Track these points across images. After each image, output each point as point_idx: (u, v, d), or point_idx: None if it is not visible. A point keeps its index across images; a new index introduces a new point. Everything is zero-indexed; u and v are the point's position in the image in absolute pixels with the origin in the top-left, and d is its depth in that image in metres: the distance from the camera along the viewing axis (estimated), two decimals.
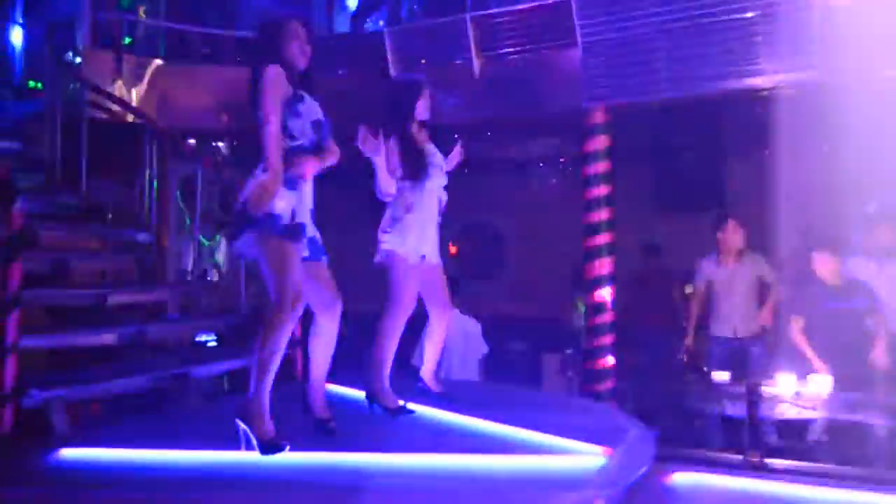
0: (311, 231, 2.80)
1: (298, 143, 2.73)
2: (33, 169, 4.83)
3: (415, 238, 3.28)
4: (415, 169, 3.26)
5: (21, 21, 6.48)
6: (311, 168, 2.73)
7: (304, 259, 2.74)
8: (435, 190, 3.38)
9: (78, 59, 5.86)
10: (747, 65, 4.90)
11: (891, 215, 4.49)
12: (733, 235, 4.98)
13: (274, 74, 2.64)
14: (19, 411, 2.82)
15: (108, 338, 3.74)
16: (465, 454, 2.62)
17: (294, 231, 2.67)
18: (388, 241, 3.28)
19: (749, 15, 4.94)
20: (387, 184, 3.22)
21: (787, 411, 4.00)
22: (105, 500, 2.35)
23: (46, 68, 5.14)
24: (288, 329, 2.63)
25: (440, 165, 3.40)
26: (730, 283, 5.01)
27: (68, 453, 2.69)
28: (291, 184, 2.68)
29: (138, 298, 4.57)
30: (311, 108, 2.79)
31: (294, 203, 2.68)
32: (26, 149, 5.01)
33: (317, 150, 2.77)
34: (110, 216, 5.06)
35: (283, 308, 2.60)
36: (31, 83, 6.72)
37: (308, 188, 2.77)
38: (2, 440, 2.75)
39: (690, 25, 5.02)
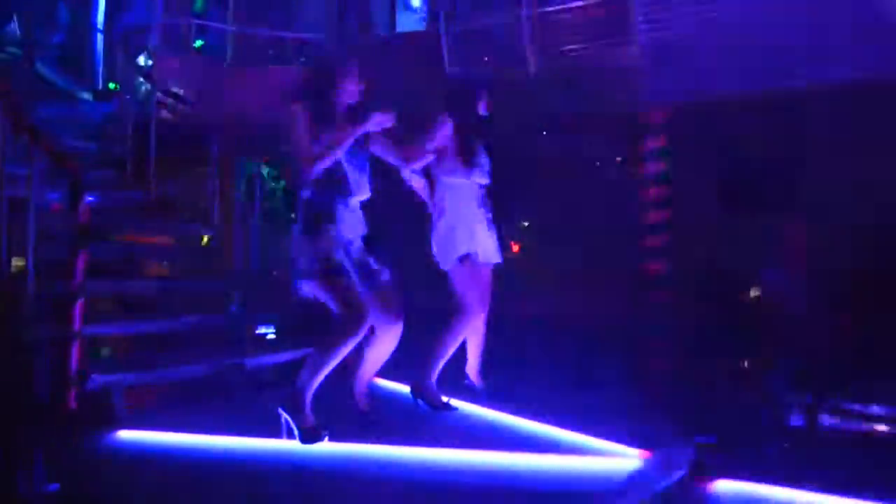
0: (363, 260, 2.85)
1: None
2: (107, 166, 5.11)
3: (455, 240, 3.32)
4: (463, 168, 3.30)
5: (101, 29, 6.85)
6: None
7: (363, 285, 2.81)
8: (478, 189, 3.41)
9: (150, 63, 6.15)
10: (816, 60, 4.69)
11: None
12: (802, 239, 4.77)
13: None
14: (83, 394, 3.00)
15: (170, 328, 3.94)
16: (501, 452, 2.63)
17: (331, 273, 2.72)
18: (437, 254, 3.35)
19: (818, 7, 4.73)
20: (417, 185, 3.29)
21: (855, 426, 3.83)
22: (153, 478, 2.48)
23: (121, 72, 5.42)
24: (350, 344, 2.73)
25: (483, 164, 3.43)
26: (797, 288, 4.81)
27: (125, 435, 2.86)
28: (312, 232, 2.75)
29: (202, 290, 4.77)
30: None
31: (322, 248, 2.73)
32: (102, 147, 5.30)
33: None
34: (177, 212, 5.29)
35: (347, 325, 2.69)
36: (111, 85, 7.10)
37: (350, 223, 2.83)
38: (66, 420, 2.94)
39: (752, 20, 4.85)
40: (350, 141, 2.77)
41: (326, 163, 2.75)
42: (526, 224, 8.05)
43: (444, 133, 3.27)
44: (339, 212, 2.79)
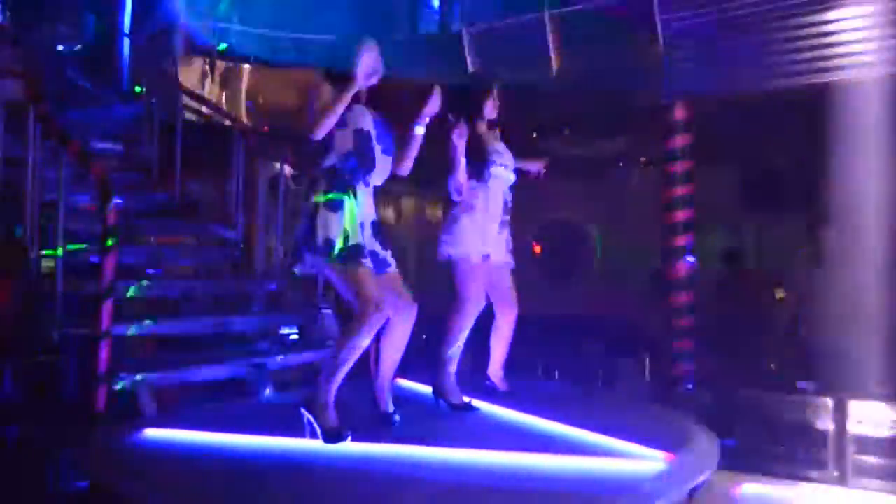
0: (372, 245, 2.85)
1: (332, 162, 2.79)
2: (133, 168, 5.19)
3: (474, 238, 3.31)
4: (478, 169, 3.30)
5: (128, 32, 6.95)
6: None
7: (375, 270, 2.81)
8: (500, 189, 3.40)
9: (175, 65, 6.23)
10: (840, 57, 4.62)
11: None
12: (832, 239, 4.70)
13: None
14: (111, 392, 3.05)
15: (195, 328, 3.99)
16: (523, 453, 2.63)
17: (353, 253, 2.73)
18: (446, 243, 3.34)
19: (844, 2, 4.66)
20: (462, 182, 3.26)
21: (879, 427, 3.76)
22: (180, 476, 2.51)
23: (147, 74, 5.50)
24: (368, 336, 2.73)
25: (507, 164, 3.42)
26: (826, 288, 4.73)
27: (153, 433, 2.90)
28: (334, 207, 2.75)
29: (226, 291, 4.82)
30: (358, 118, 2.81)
31: (343, 225, 2.73)
32: (128, 149, 5.37)
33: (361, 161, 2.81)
34: (202, 213, 5.35)
35: (364, 316, 2.69)
36: (137, 88, 7.20)
37: (365, 204, 2.83)
38: (95, 418, 2.99)
39: (777, 15, 4.78)
40: (345, 100, 2.72)
41: (327, 125, 2.70)
42: (549, 224, 8.04)
43: (461, 133, 3.24)
44: (359, 188, 2.79)
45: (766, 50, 4.88)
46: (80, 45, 6.57)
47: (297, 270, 2.87)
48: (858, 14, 4.57)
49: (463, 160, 3.21)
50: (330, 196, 2.77)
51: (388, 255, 2.91)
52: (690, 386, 5.25)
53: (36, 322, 3.42)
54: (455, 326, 3.33)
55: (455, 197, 3.33)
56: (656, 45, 5.34)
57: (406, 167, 2.98)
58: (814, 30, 4.72)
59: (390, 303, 2.82)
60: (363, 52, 2.73)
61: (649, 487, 2.30)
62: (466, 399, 3.33)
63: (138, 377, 3.15)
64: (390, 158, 2.90)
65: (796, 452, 4.04)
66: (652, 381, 5.90)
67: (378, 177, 2.88)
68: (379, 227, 2.92)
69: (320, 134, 2.73)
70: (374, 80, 2.80)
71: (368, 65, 2.74)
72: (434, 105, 2.91)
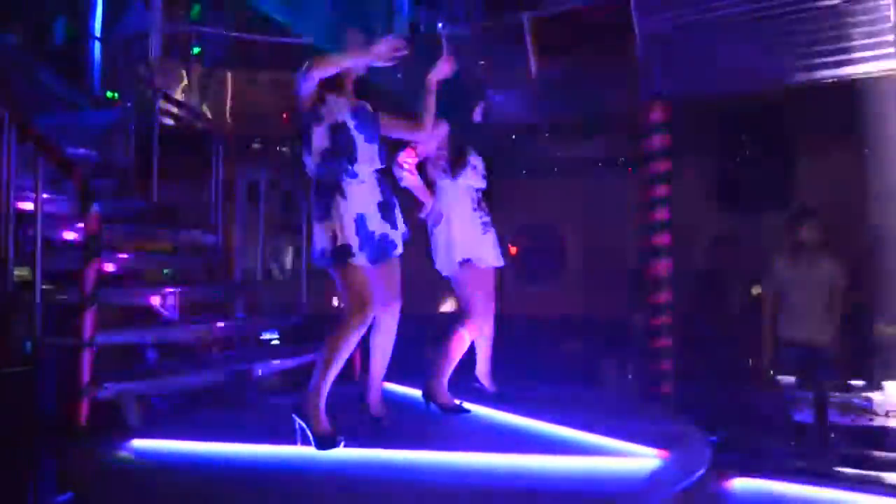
0: (381, 228, 2.81)
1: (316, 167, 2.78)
2: (108, 174, 5.09)
3: (454, 245, 3.32)
4: (456, 168, 3.31)
5: (99, 36, 6.82)
6: None
7: (375, 260, 2.80)
8: (469, 190, 3.41)
9: (150, 70, 6.13)
10: (816, 57, 4.71)
11: None
12: (811, 233, 4.76)
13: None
14: (95, 403, 2.98)
15: (176, 335, 3.92)
16: (517, 454, 2.63)
17: (339, 254, 2.71)
18: (436, 253, 3.35)
19: (818, 4, 4.75)
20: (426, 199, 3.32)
21: (860, 419, 3.84)
22: (166, 487, 2.46)
23: (121, 79, 5.40)
24: (356, 334, 2.71)
25: (478, 168, 3.44)
26: (804, 284, 4.80)
27: (138, 443, 2.84)
28: (320, 216, 2.74)
29: (205, 298, 4.75)
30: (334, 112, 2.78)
31: (331, 230, 2.72)
32: (102, 155, 5.27)
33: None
34: (180, 219, 5.27)
35: (352, 315, 2.68)
36: (109, 94, 7.07)
37: (361, 195, 2.80)
38: (79, 430, 2.92)
39: (753, 17, 4.86)
40: (331, 67, 2.71)
41: (309, 84, 2.70)
42: (528, 226, 8.06)
43: (441, 133, 3.25)
44: (346, 185, 2.75)
45: (742, 50, 4.95)
46: (50, 48, 6.44)
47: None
48: (840, 11, 4.66)
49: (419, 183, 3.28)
50: (316, 204, 2.76)
51: (398, 234, 2.88)
52: (673, 383, 5.29)
53: (12, 333, 3.33)
54: (463, 336, 3.38)
55: (423, 214, 3.36)
56: (634, 47, 5.39)
57: (426, 126, 3.01)
58: (791, 28, 4.80)
59: (378, 297, 2.79)
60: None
61: (645, 485, 2.31)
62: (457, 401, 3.32)
63: (122, 387, 3.08)
64: (376, 146, 2.85)
65: (780, 446, 4.11)
66: (635, 380, 5.95)
67: (367, 165, 2.82)
68: (388, 207, 2.86)
69: (304, 91, 2.71)
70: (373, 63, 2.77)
71: (387, 50, 2.72)
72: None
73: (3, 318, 3.39)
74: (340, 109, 2.78)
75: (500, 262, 3.49)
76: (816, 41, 4.75)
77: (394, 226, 2.87)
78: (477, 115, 3.45)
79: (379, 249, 2.81)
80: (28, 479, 2.99)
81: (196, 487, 2.45)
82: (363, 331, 2.74)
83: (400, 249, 2.90)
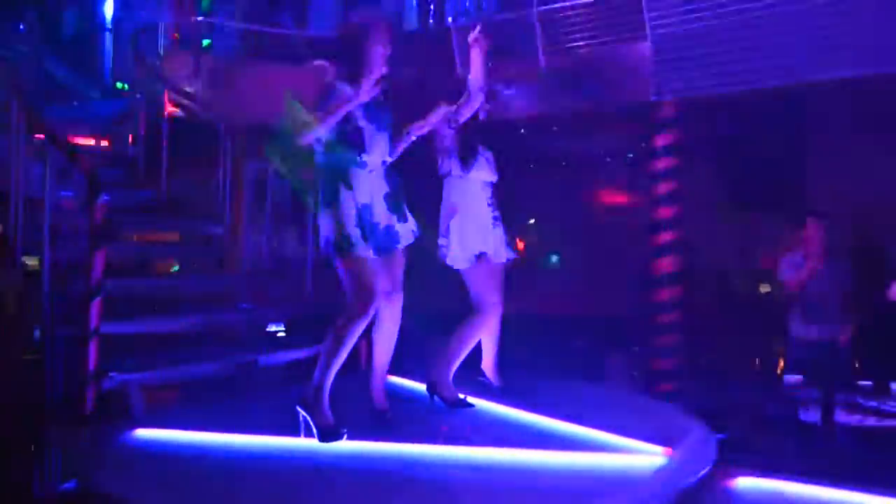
0: (387, 219, 2.81)
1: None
2: (117, 165, 5.11)
3: (468, 239, 3.31)
4: (467, 159, 3.29)
5: (110, 27, 6.84)
6: None
7: (379, 251, 2.79)
8: (482, 184, 3.39)
9: (159, 61, 6.14)
10: (826, 55, 4.66)
11: None
12: (819, 234, 4.73)
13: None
14: (101, 392, 3.00)
15: (183, 325, 3.92)
16: (521, 449, 2.62)
17: (341, 246, 2.71)
18: (445, 247, 3.34)
19: (829, 3, 4.70)
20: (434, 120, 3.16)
21: (868, 419, 3.81)
22: (170, 476, 2.47)
23: (131, 70, 5.41)
24: (360, 325, 2.71)
25: (488, 163, 3.42)
26: (817, 283, 4.76)
27: (143, 433, 2.85)
28: (327, 204, 2.74)
29: (212, 288, 4.76)
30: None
31: (337, 219, 2.72)
32: (112, 146, 5.29)
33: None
34: (188, 210, 5.28)
35: (355, 305, 2.69)
36: (119, 85, 7.09)
37: (368, 185, 2.79)
38: (83, 418, 2.93)
39: (764, 15, 4.82)
40: (342, 112, 2.70)
41: (317, 132, 2.70)
42: (534, 221, 8.05)
43: (438, 116, 3.19)
44: (354, 174, 2.74)
45: (752, 48, 4.91)
46: (60, 39, 6.46)
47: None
48: (851, 9, 4.61)
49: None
50: (323, 194, 2.75)
51: (404, 227, 2.87)
52: (679, 380, 5.28)
53: (21, 322, 3.35)
54: (474, 330, 3.36)
55: (443, 170, 3.34)
56: (644, 43, 5.35)
57: (392, 155, 2.95)
58: (802, 26, 4.75)
59: (381, 288, 2.79)
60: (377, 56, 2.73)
61: (650, 481, 2.30)
62: (461, 395, 3.32)
63: (127, 376, 3.09)
64: (386, 134, 2.84)
65: (787, 445, 4.08)
66: (641, 377, 5.93)
67: (375, 156, 2.80)
68: (396, 199, 2.86)
69: (308, 138, 2.73)
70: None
71: (379, 70, 2.74)
72: (436, 119, 3.00)
73: (13, 307, 3.41)
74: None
75: (512, 255, 3.48)
76: (829, 38, 4.70)
77: (401, 218, 2.87)
78: (482, 113, 3.43)
79: (384, 240, 2.80)
80: (34, 466, 3.01)
81: (199, 477, 2.46)
82: (367, 321, 2.73)
83: (405, 242, 2.89)
